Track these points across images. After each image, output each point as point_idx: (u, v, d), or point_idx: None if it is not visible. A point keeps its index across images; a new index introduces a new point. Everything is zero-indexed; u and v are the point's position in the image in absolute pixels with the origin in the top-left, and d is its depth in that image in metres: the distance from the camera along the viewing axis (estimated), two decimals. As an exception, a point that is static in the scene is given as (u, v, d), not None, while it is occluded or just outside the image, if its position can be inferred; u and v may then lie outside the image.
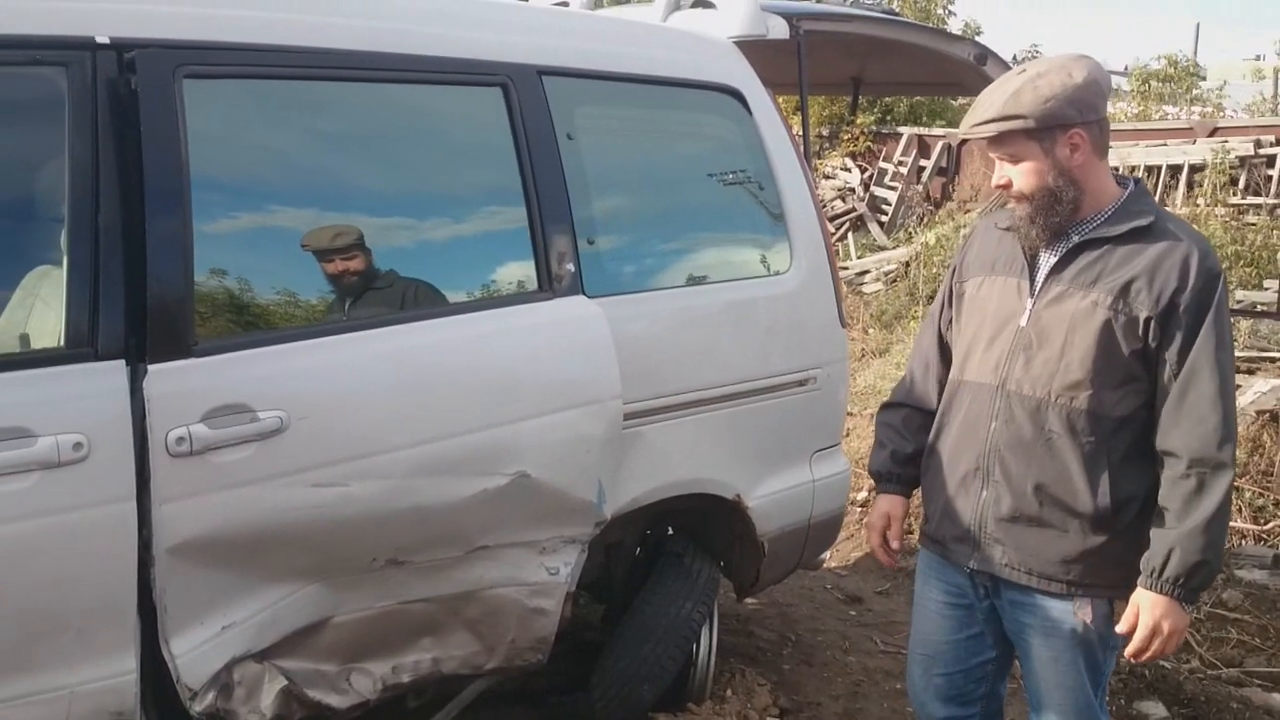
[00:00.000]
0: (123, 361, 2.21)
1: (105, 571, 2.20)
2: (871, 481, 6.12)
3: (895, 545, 2.74)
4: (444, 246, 2.85)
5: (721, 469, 3.31)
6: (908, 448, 2.71)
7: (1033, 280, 2.44)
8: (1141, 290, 2.28)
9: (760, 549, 3.46)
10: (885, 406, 2.82)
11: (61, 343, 2.18)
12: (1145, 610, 2.29)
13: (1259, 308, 7.84)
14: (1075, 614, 2.41)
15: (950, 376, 2.61)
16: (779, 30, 3.73)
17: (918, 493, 2.76)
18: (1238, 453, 5.50)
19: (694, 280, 3.28)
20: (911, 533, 5.56)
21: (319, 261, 2.57)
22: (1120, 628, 2.35)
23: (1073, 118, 2.30)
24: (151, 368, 2.21)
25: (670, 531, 3.57)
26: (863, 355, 9.09)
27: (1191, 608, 2.34)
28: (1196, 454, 2.26)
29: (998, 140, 2.36)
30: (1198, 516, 2.24)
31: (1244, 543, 5.15)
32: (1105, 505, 2.33)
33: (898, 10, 15.00)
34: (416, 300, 2.72)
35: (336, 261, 2.58)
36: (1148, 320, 2.27)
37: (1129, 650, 2.33)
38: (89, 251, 2.20)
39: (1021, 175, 2.36)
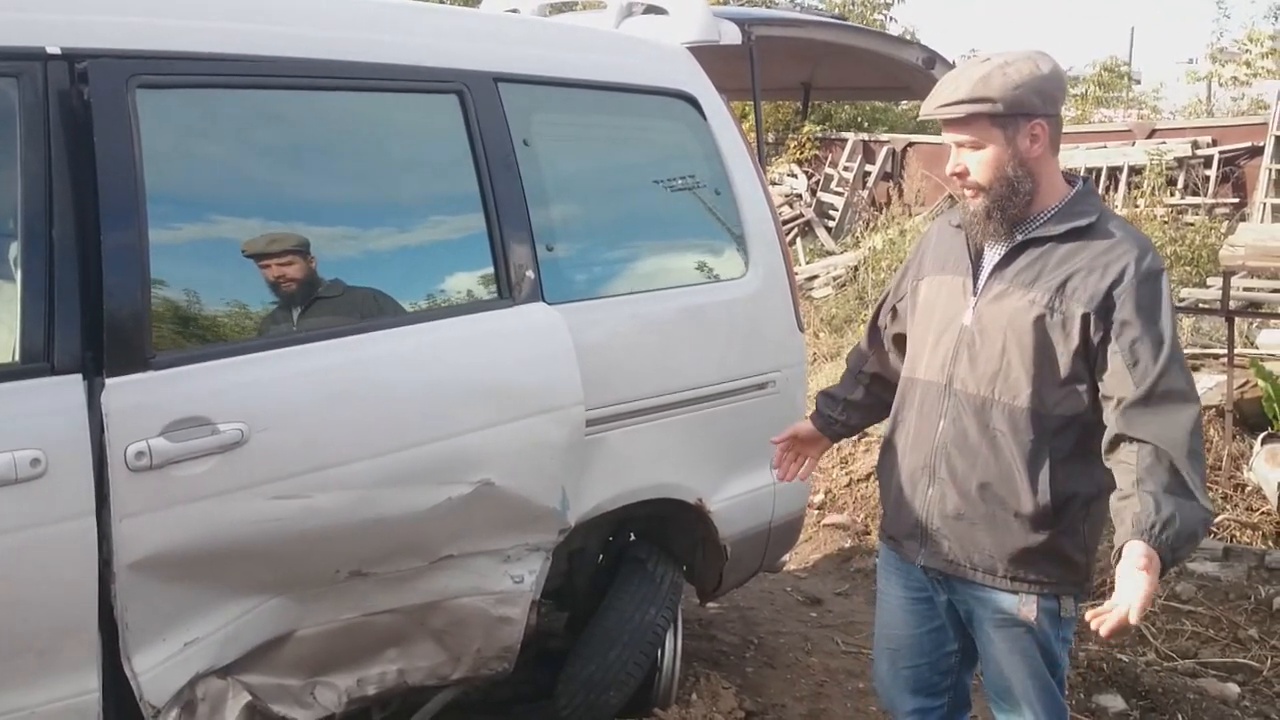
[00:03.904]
0: (79, 376, 2.17)
1: (65, 589, 2.16)
2: (826, 485, 6.19)
3: (779, 445, 2.93)
4: (403, 255, 2.83)
5: (683, 473, 3.32)
6: (835, 391, 2.90)
7: (976, 278, 2.46)
8: (1077, 288, 2.29)
9: (723, 552, 3.47)
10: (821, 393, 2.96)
11: (16, 357, 2.14)
12: (1140, 559, 2.10)
13: (1200, 305, 7.96)
14: (1020, 610, 2.43)
15: (902, 375, 2.64)
16: (731, 36, 3.76)
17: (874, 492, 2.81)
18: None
19: (653, 286, 3.28)
20: (869, 532, 5.62)
21: (258, 267, 2.54)
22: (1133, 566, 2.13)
23: (1037, 107, 2.31)
24: (109, 381, 2.17)
25: (632, 537, 3.57)
26: (814, 360, 9.12)
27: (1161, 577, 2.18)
28: (1174, 442, 2.18)
29: (963, 123, 2.34)
30: (1179, 487, 2.15)
31: (1194, 536, 5.22)
32: (1046, 503, 2.35)
33: (846, 16, 15.15)
34: (375, 308, 2.69)
35: (273, 266, 2.54)
36: (1084, 317, 2.28)
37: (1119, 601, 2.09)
38: (43, 265, 2.16)
39: (979, 164, 2.35)
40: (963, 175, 2.39)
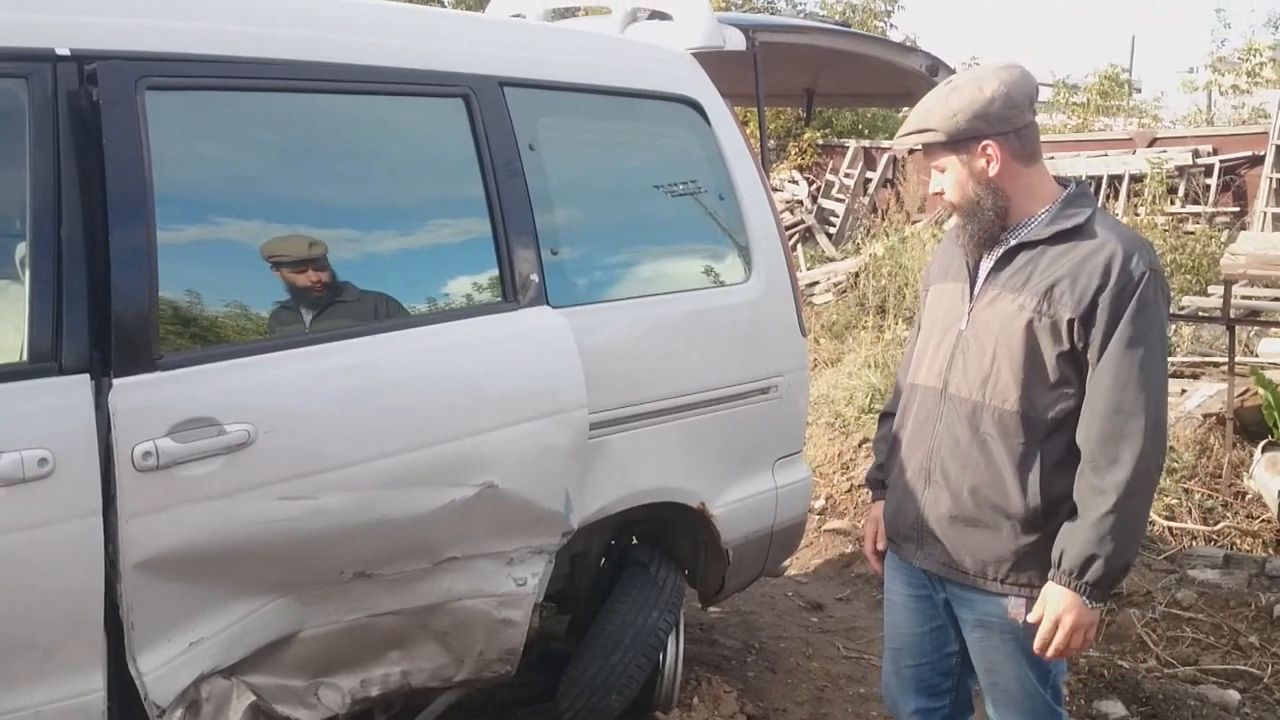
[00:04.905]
0: (87, 376, 2.18)
1: (71, 588, 2.17)
2: (827, 490, 6.20)
3: (883, 548, 2.78)
4: (409, 258, 2.84)
5: (686, 477, 3.32)
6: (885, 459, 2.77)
7: (973, 284, 2.50)
8: (1065, 293, 2.32)
9: (725, 557, 3.48)
10: (880, 418, 2.89)
11: (24, 357, 2.15)
12: (1049, 604, 2.34)
13: (1200, 313, 7.97)
14: (1009, 613, 2.45)
15: (907, 380, 2.67)
16: (736, 42, 3.76)
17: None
18: (1186, 455, 5.63)
19: (656, 290, 3.28)
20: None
21: (290, 271, 2.55)
22: (1030, 617, 2.39)
23: (982, 130, 2.36)
24: (116, 382, 2.18)
25: (634, 541, 3.58)
26: (815, 365, 9.14)
27: (1096, 605, 2.33)
28: (1094, 453, 2.30)
29: (924, 151, 2.46)
30: (1094, 512, 2.28)
31: (1195, 543, 5.24)
32: (1036, 506, 2.37)
33: (849, 23, 15.17)
34: (387, 313, 2.71)
35: (309, 272, 2.57)
36: (1070, 322, 2.31)
37: (1035, 645, 2.37)
38: (51, 265, 2.17)
39: (947, 185, 2.45)
40: (940, 195, 2.50)
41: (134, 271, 2.23)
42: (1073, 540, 2.30)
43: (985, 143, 2.37)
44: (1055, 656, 2.38)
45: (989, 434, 2.41)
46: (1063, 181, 2.50)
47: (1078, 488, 2.33)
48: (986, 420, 2.41)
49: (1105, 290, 2.28)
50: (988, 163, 2.38)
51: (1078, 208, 2.42)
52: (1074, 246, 2.36)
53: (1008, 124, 2.37)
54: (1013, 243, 2.43)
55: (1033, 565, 2.41)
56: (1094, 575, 2.29)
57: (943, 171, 2.45)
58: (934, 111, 2.39)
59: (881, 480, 2.78)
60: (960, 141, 2.38)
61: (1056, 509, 2.38)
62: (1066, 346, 2.33)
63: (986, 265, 2.48)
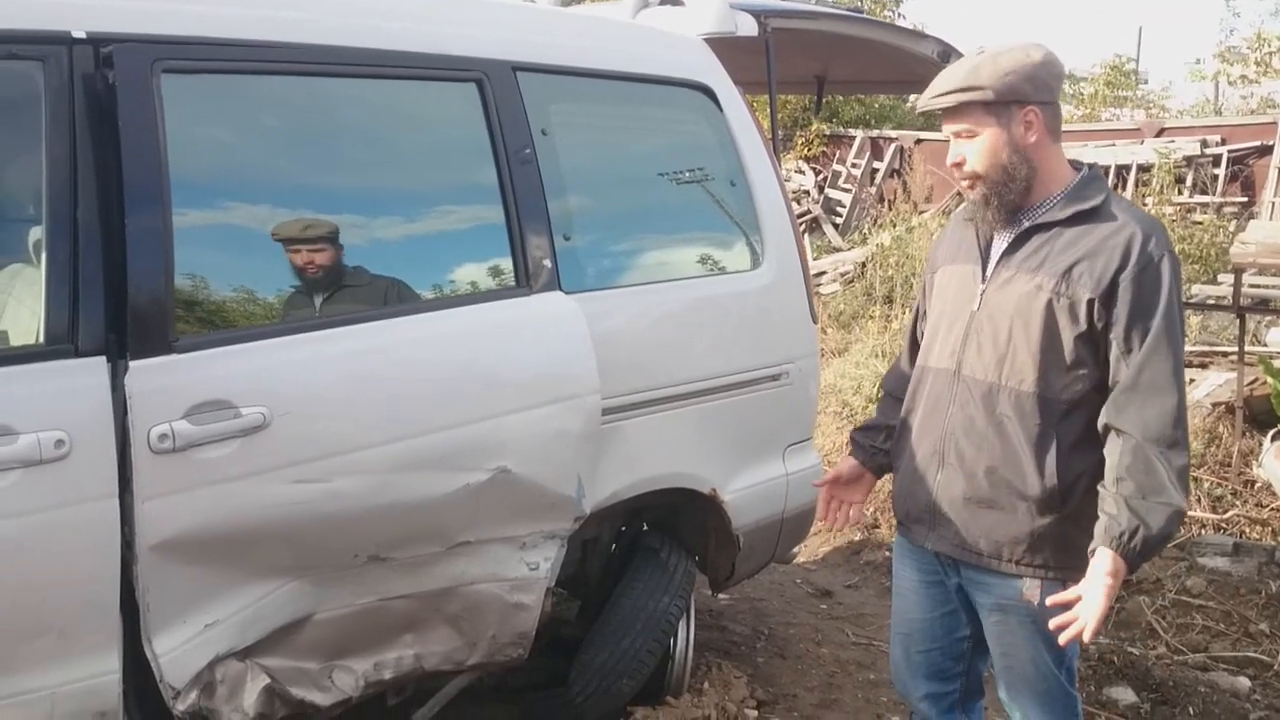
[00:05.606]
0: (103, 358, 2.19)
1: (87, 570, 2.18)
2: (837, 478, 6.17)
3: (822, 492, 2.84)
4: (423, 242, 2.85)
5: (698, 463, 3.32)
6: (875, 421, 2.83)
7: (985, 265, 2.49)
8: (1084, 273, 2.31)
9: (735, 543, 3.48)
10: (882, 397, 2.91)
11: (41, 340, 2.16)
12: (1103, 568, 2.22)
13: (1210, 301, 7.94)
14: (1024, 594, 2.45)
15: (917, 362, 2.67)
16: (748, 28, 3.76)
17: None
18: (1195, 444, 5.62)
19: (668, 276, 3.29)
20: (878, 525, 5.62)
21: (286, 251, 2.55)
22: (1060, 597, 2.28)
23: (1029, 94, 2.35)
24: (132, 364, 2.19)
25: (645, 526, 3.58)
26: (822, 355, 9.12)
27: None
28: (1154, 434, 2.25)
29: (957, 112, 2.39)
30: (1153, 485, 2.22)
31: (1204, 531, 5.24)
32: (1052, 487, 2.37)
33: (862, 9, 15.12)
34: (399, 298, 2.71)
35: (303, 252, 2.56)
36: (1090, 302, 2.31)
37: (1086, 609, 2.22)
38: (68, 248, 2.18)
39: (975, 152, 2.39)
40: (960, 165, 2.43)
41: (150, 254, 2.24)
42: (1154, 517, 2.22)
43: (1029, 107, 2.35)
44: (1074, 638, 2.27)
45: (1006, 415, 2.41)
46: (1075, 165, 2.49)
47: (1132, 465, 2.25)
48: (1003, 401, 2.41)
49: (1125, 270, 2.28)
50: (1027, 129, 2.36)
51: (1093, 190, 2.42)
52: (1092, 228, 2.35)
53: (1050, 94, 2.38)
54: (1027, 224, 2.42)
55: (1048, 547, 2.41)
56: (1155, 553, 2.32)
57: (972, 138, 2.39)
58: (981, 70, 2.34)
59: (856, 440, 2.83)
60: (1004, 103, 2.34)
61: (1072, 490, 2.38)
62: (1084, 327, 2.33)
63: (999, 247, 2.47)
